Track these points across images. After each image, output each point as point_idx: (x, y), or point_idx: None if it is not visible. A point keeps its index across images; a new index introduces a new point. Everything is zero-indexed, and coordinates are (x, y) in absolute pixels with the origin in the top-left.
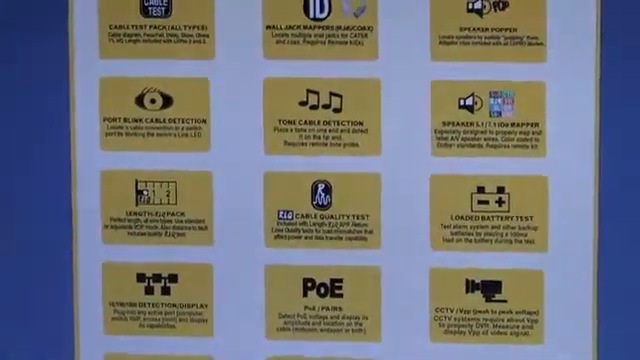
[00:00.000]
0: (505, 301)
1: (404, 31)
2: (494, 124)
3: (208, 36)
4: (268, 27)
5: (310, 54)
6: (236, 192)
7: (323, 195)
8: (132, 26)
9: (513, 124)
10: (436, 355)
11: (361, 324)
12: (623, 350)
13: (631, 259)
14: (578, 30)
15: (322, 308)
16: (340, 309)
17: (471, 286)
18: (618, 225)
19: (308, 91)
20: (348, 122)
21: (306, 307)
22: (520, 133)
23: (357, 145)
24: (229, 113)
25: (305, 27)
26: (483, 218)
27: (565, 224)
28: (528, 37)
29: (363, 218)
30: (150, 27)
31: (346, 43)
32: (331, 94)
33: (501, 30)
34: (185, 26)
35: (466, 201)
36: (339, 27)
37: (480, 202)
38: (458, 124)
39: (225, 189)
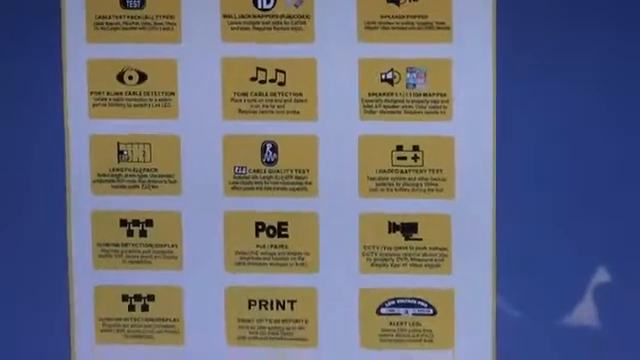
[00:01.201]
0: (420, 239)
1: (335, 19)
2: (410, 94)
3: (175, 24)
4: (225, 16)
5: (259, 38)
6: (200, 152)
7: (271, 153)
8: (113, 16)
9: (425, 94)
10: (365, 282)
11: (303, 259)
12: (518, 276)
13: (524, 202)
14: (478, 16)
15: (271, 246)
16: (286, 247)
17: (393, 227)
18: (512, 174)
19: (257, 69)
20: (290, 93)
21: (257, 245)
22: (431, 102)
23: (298, 112)
24: (193, 87)
25: (255, 16)
26: (402, 171)
27: (468, 176)
28: (437, 22)
29: (303, 172)
30: (128, 17)
31: (288, 29)
32: (276, 70)
33: (415, 17)
34: (156, 16)
35: (387, 157)
36: (282, 16)
37: (399, 158)
38: (381, 94)
39: (191, 149)
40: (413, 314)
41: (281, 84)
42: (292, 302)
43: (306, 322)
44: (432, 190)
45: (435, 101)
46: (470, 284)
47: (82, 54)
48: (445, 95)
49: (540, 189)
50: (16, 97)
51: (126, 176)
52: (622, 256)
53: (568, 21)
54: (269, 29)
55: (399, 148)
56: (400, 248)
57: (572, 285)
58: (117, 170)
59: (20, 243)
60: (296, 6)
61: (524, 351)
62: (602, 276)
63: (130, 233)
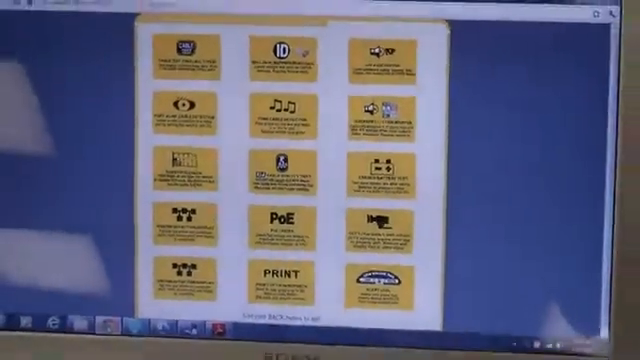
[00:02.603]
0: (390, 228)
1: (332, 66)
2: (385, 122)
3: (217, 67)
4: (253, 62)
5: (277, 78)
6: (232, 160)
7: (283, 163)
8: (172, 60)
9: (396, 122)
10: (349, 259)
11: (304, 241)
12: (463, 257)
13: (469, 201)
14: (435, 66)
15: (281, 230)
16: (292, 231)
17: (370, 219)
18: (460, 180)
19: (275, 100)
20: (298, 119)
21: (272, 230)
22: (400, 127)
23: (303, 132)
24: (229, 113)
25: (274, 62)
26: (378, 178)
27: (426, 182)
28: (406, 69)
29: (306, 177)
30: (183, 60)
31: (298, 72)
32: (289, 102)
33: (390, 65)
34: (203, 60)
35: (368, 168)
36: (294, 62)
37: (376, 168)
38: (364, 121)
39: (226, 159)
40: (384, 283)
41: (292, 112)
42: (296, 272)
43: (305, 287)
44: (400, 192)
45: (403, 127)
46: (426, 262)
47: (150, 87)
48: (410, 123)
49: (485, 194)
50: (95, 119)
51: (178, 177)
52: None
53: (503, 67)
54: (284, 72)
55: (376, 161)
56: (375, 234)
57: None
58: (172, 172)
59: (92, 227)
60: (304, 55)
61: (470, 308)
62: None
63: (180, 218)
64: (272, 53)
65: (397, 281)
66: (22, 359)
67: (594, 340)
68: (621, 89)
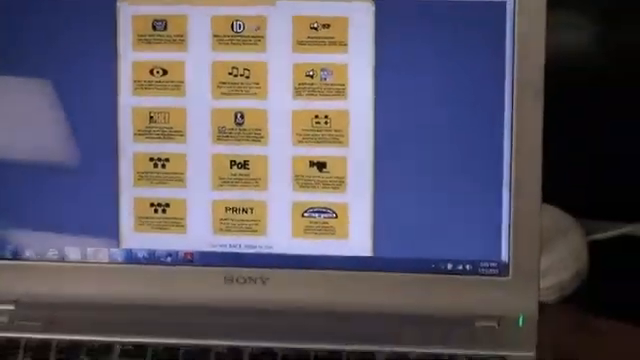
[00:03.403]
0: (328, 172)
1: (279, 38)
2: (322, 84)
3: (184, 40)
4: (214, 35)
5: (233, 49)
6: (198, 117)
7: (240, 119)
8: (148, 35)
9: (332, 84)
10: (295, 197)
11: (258, 183)
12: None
13: (394, 148)
14: (364, 38)
15: (240, 175)
16: (248, 175)
17: (311, 164)
18: (387, 131)
19: (233, 67)
20: (252, 83)
21: (232, 174)
22: (335, 89)
23: (256, 94)
24: (196, 79)
25: (231, 36)
26: (318, 130)
27: (357, 133)
28: (339, 41)
29: (259, 130)
30: (157, 35)
31: (250, 44)
32: (244, 69)
33: (327, 38)
34: (174, 34)
35: (309, 122)
36: (248, 35)
37: (316, 122)
38: (305, 84)
39: (193, 116)
40: (323, 217)
41: (247, 77)
42: (251, 209)
43: (259, 221)
44: (335, 142)
45: (337, 89)
46: (357, 200)
47: (129, 58)
48: (343, 85)
49: (406, 142)
50: (83, 85)
51: (153, 132)
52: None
53: (420, 38)
54: (240, 44)
55: (316, 117)
56: (316, 177)
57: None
58: (148, 128)
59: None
60: (256, 30)
61: (395, 237)
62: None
63: (155, 166)
64: (230, 29)
65: (334, 215)
66: (28, 284)
67: (496, 262)
68: (515, 57)
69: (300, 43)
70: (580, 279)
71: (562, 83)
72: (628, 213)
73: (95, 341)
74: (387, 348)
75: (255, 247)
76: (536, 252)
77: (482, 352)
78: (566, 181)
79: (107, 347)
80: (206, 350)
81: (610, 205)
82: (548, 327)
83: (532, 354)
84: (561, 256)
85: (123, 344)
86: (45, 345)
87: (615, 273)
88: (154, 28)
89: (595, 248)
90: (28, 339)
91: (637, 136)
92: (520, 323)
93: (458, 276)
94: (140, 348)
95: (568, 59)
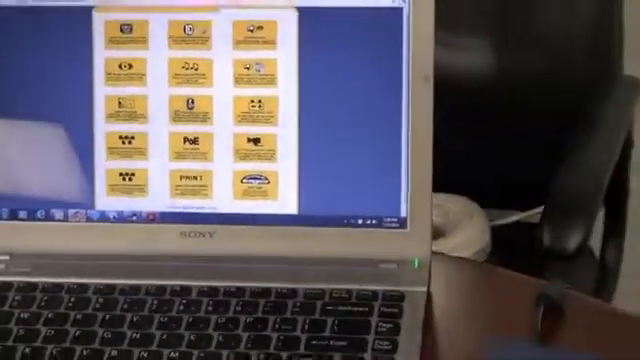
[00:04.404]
0: (262, 145)
1: (221, 39)
2: (257, 75)
3: (146, 41)
4: (170, 37)
5: (187, 48)
6: (157, 102)
7: (191, 104)
8: (117, 36)
9: (265, 75)
10: (235, 167)
11: (205, 156)
12: (312, 163)
13: (318, 126)
14: (289, 38)
15: (192, 149)
16: (198, 149)
17: (249, 140)
18: (310, 113)
19: (185, 62)
20: (201, 74)
21: (184, 149)
22: (267, 79)
23: (203, 83)
24: (156, 71)
25: (184, 37)
26: (253, 113)
27: (285, 113)
28: (271, 40)
29: (206, 113)
30: (124, 37)
31: (199, 42)
32: (194, 63)
33: (259, 38)
34: (138, 36)
35: (247, 105)
36: (198, 37)
37: (252, 106)
38: (243, 75)
39: (153, 101)
40: (258, 183)
41: (196, 70)
42: (201, 176)
43: (207, 187)
44: (268, 122)
45: (269, 79)
46: (285, 168)
47: (102, 55)
48: (273, 75)
49: (324, 121)
50: (63, 78)
51: (122, 115)
52: None
53: (334, 38)
54: (191, 43)
55: (252, 101)
56: (252, 150)
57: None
58: (118, 112)
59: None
60: (203, 32)
61: (317, 198)
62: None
63: (123, 142)
64: (183, 31)
65: (267, 181)
66: (21, 239)
67: (397, 217)
68: (410, 49)
69: (239, 42)
70: (484, 255)
71: (467, 96)
72: (523, 203)
73: (73, 282)
74: (308, 285)
75: (203, 208)
76: (428, 210)
77: (385, 288)
78: (474, 176)
79: (83, 287)
80: (163, 288)
81: (509, 196)
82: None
83: (424, 289)
84: (468, 236)
85: (96, 285)
86: (33, 285)
87: (511, 251)
88: (122, 31)
89: (496, 231)
90: (20, 281)
91: (527, 141)
92: (416, 265)
93: (366, 229)
94: (110, 287)
95: (467, 76)
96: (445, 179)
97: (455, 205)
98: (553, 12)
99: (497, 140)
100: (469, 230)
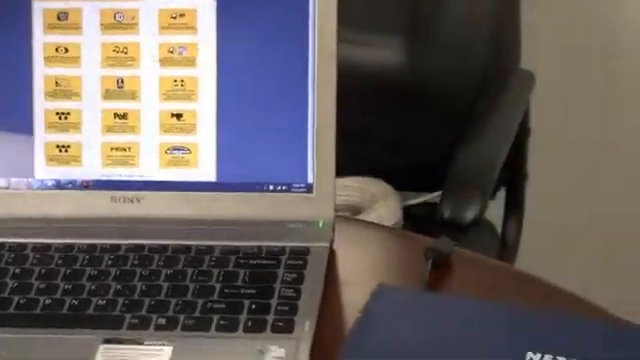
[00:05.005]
0: (185, 120)
1: (149, 25)
2: (180, 58)
3: (80, 27)
4: (102, 25)
5: (119, 33)
6: (90, 81)
7: (121, 83)
8: (55, 23)
9: (187, 58)
10: (161, 140)
11: (134, 129)
12: (228, 133)
13: (233, 101)
14: (208, 25)
15: (121, 124)
16: (127, 124)
17: (172, 115)
18: (227, 90)
19: (115, 46)
20: (130, 57)
21: (115, 123)
22: (188, 60)
23: (132, 65)
24: (90, 54)
25: (114, 24)
26: (176, 90)
27: (204, 91)
28: (191, 26)
29: (134, 92)
30: (59, 24)
31: (127, 28)
32: (124, 47)
33: (182, 24)
34: (72, 22)
35: (171, 84)
36: (127, 23)
37: (175, 85)
38: (167, 58)
39: (88, 80)
40: (181, 153)
41: (125, 53)
42: (129, 148)
43: (135, 157)
44: (189, 99)
45: (189, 60)
46: (205, 140)
47: (41, 40)
48: (194, 58)
49: (239, 97)
50: (6, 60)
51: (59, 93)
52: None
53: (246, 21)
54: (120, 29)
55: (175, 81)
56: (175, 124)
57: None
58: (55, 90)
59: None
60: (132, 19)
61: (232, 167)
62: None
63: (60, 118)
64: (113, 18)
65: (189, 152)
66: None
67: (304, 183)
68: (316, 29)
69: (163, 28)
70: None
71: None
72: (431, 186)
73: (13, 242)
74: (223, 243)
75: (132, 176)
76: (332, 178)
77: (292, 244)
78: (389, 161)
79: (22, 245)
80: (94, 246)
81: (419, 180)
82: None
83: (327, 245)
84: (383, 213)
85: (34, 244)
86: None
87: (420, 227)
88: (59, 18)
89: (407, 210)
90: None
91: (434, 130)
92: (320, 225)
93: (277, 193)
94: (46, 246)
95: (379, 71)
96: (364, 164)
97: (372, 187)
98: (458, 12)
99: (408, 128)
100: (384, 208)
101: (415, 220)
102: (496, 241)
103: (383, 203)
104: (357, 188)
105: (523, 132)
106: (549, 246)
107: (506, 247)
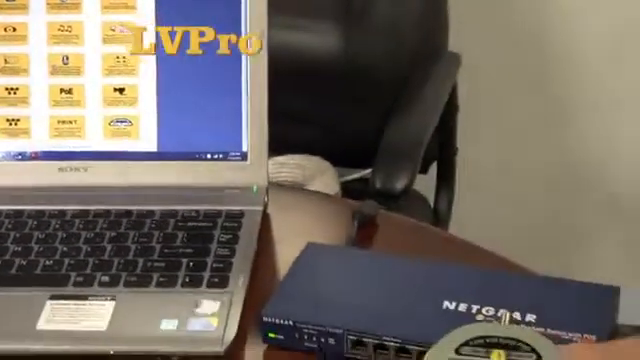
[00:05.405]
0: (127, 94)
1: (92, 3)
2: (121, 35)
3: (28, 8)
4: (47, 2)
5: (57, 13)
6: (39, 57)
7: (67, 60)
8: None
9: (127, 35)
10: (104, 112)
11: (79, 103)
12: (167, 109)
13: (172, 80)
14: (148, 2)
15: (67, 98)
16: (72, 97)
17: (115, 90)
18: (167, 72)
19: (61, 25)
20: (76, 34)
21: (61, 97)
22: (129, 39)
23: (77, 43)
24: (39, 31)
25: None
26: (118, 67)
27: (143, 71)
28: (131, 6)
29: (79, 68)
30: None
31: (65, 8)
32: (68, 26)
33: (122, 3)
34: (20, 3)
35: (114, 61)
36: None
37: (118, 61)
38: (111, 36)
39: (36, 59)
40: (124, 125)
41: (70, 32)
42: (75, 121)
43: (81, 129)
44: (131, 74)
45: (130, 38)
46: (146, 113)
47: None
48: (134, 35)
49: (177, 71)
50: None
51: (7, 69)
52: None
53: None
54: (65, 9)
55: (117, 57)
56: (118, 98)
57: None
58: (4, 67)
59: None
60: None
61: (172, 137)
62: None
63: (9, 93)
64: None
65: (131, 124)
66: None
67: (240, 152)
68: (248, 14)
69: (106, 7)
70: None
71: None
72: (366, 162)
73: None
74: (164, 207)
75: (79, 147)
76: (265, 147)
77: (228, 207)
78: (327, 140)
79: None
80: (42, 212)
81: (355, 156)
82: None
83: (260, 208)
84: (322, 187)
85: None
86: None
87: (356, 199)
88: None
89: (344, 185)
90: None
91: (369, 110)
92: (254, 190)
93: (215, 162)
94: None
95: (314, 55)
96: (303, 143)
97: (311, 163)
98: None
99: (343, 108)
100: (322, 183)
101: (351, 194)
102: (429, 213)
103: (321, 178)
104: (297, 165)
105: (452, 110)
106: (478, 216)
107: (438, 218)
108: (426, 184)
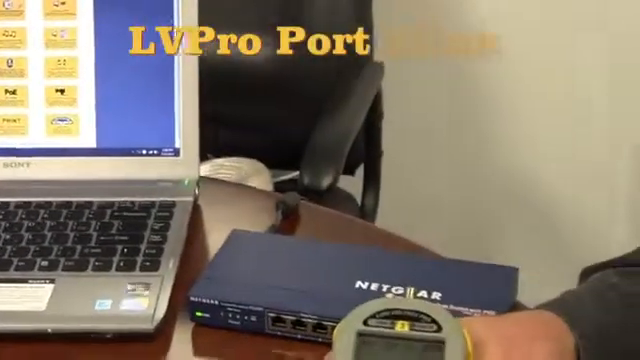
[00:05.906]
0: (66, 95)
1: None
2: (62, 40)
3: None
4: None
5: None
6: None
7: (11, 62)
8: None
9: (68, 40)
10: (46, 112)
11: (23, 102)
12: (108, 106)
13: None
14: (86, 6)
15: (11, 98)
16: (16, 98)
17: (57, 90)
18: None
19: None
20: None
21: (7, 98)
22: (70, 43)
23: (20, 47)
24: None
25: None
26: (60, 69)
27: (85, 71)
28: (71, 11)
29: (65, 60)
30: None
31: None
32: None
33: (64, 10)
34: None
35: (55, 64)
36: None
37: (59, 64)
38: (52, 40)
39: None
40: (65, 123)
41: (14, 37)
42: (19, 119)
43: (24, 127)
44: (70, 76)
45: (71, 42)
46: (85, 112)
47: None
48: (74, 40)
49: (116, 72)
50: None
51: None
52: None
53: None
54: (8, 14)
55: (59, 61)
56: (59, 98)
57: None
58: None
59: None
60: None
61: (110, 135)
62: None
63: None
64: (2, 6)
65: (71, 122)
66: None
67: (173, 148)
68: (180, 14)
69: (48, 14)
70: None
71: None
72: (293, 165)
73: None
74: (101, 199)
75: (23, 144)
76: (196, 143)
77: (161, 199)
78: (260, 143)
79: None
80: None
81: (285, 160)
82: None
83: (191, 199)
84: (256, 186)
85: None
86: None
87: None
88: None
89: (277, 185)
90: None
91: (300, 114)
92: (186, 183)
93: (150, 157)
94: None
95: (249, 63)
96: (239, 146)
97: (246, 165)
98: (321, 10)
99: (276, 113)
100: (256, 183)
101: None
102: (356, 211)
103: (255, 179)
104: (233, 167)
105: (377, 115)
106: (402, 214)
107: (365, 217)
108: (354, 185)
